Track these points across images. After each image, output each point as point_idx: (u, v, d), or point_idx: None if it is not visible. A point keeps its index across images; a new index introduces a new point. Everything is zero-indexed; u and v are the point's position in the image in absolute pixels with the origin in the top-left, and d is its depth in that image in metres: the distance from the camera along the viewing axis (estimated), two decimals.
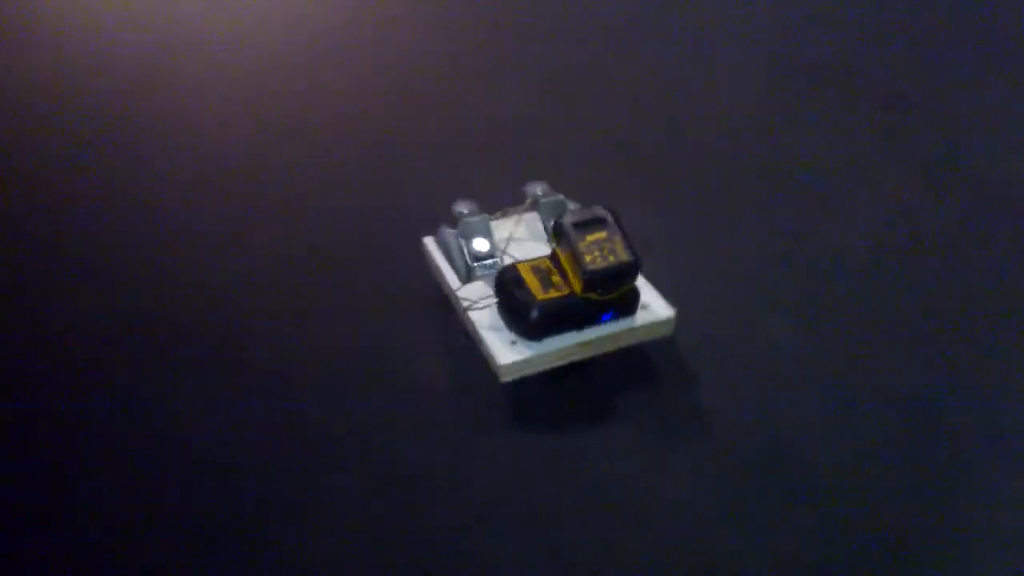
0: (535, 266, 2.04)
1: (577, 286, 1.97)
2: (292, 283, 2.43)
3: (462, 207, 2.30)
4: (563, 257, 1.99)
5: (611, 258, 1.94)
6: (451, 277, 2.22)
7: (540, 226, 2.32)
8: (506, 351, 2.00)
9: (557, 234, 1.98)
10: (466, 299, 2.12)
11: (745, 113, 3.04)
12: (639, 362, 2.15)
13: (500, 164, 2.89)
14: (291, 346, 2.23)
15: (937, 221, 2.55)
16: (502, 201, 2.39)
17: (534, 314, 1.96)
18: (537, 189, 2.37)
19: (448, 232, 2.26)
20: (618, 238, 1.97)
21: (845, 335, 2.21)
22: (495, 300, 2.08)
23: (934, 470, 1.89)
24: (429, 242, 2.34)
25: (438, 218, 2.64)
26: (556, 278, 1.99)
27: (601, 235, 1.96)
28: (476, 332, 2.06)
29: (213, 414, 2.04)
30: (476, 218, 2.26)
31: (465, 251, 2.21)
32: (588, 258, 1.93)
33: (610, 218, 2.00)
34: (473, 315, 2.08)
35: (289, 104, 3.30)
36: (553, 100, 3.20)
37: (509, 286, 2.01)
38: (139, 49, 3.70)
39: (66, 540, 1.78)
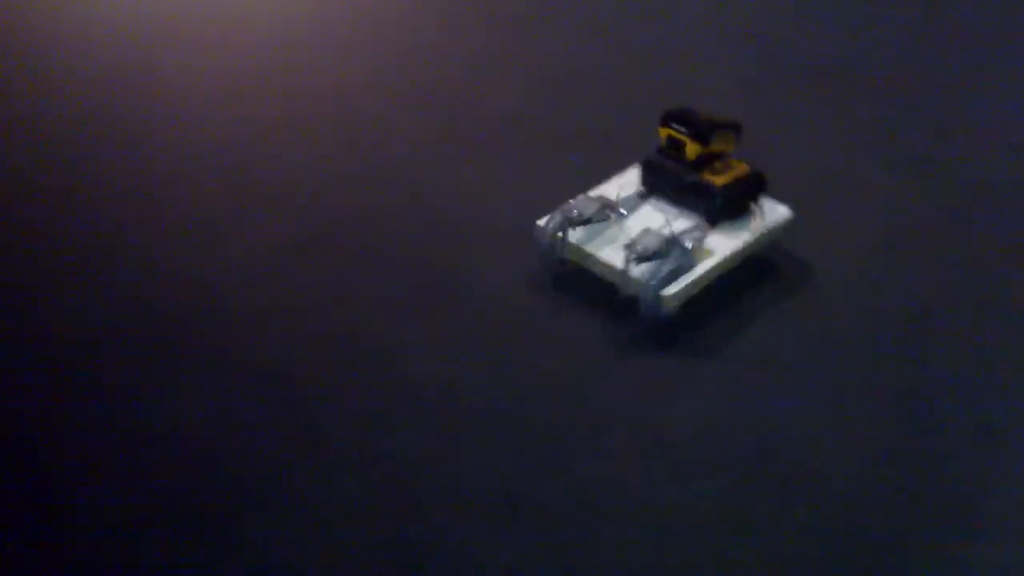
0: (726, 173, 2.28)
1: (732, 145, 2.32)
2: (291, 282, 2.43)
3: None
4: (718, 140, 2.27)
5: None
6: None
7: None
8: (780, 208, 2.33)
9: (707, 134, 2.24)
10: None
11: (735, 110, 3.03)
12: (629, 365, 2.16)
13: (494, 162, 2.90)
14: (290, 345, 2.23)
15: (925, 217, 2.56)
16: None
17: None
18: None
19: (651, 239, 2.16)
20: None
21: (835, 331, 2.22)
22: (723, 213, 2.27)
23: (925, 467, 1.90)
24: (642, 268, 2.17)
25: (434, 218, 2.65)
26: (720, 164, 2.27)
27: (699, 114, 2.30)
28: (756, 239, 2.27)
29: (213, 414, 2.05)
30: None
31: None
32: (727, 118, 2.33)
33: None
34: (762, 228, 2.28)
35: (287, 103, 3.30)
36: (546, 98, 3.19)
37: (742, 186, 2.28)
38: (139, 48, 3.69)
39: (65, 539, 1.78)
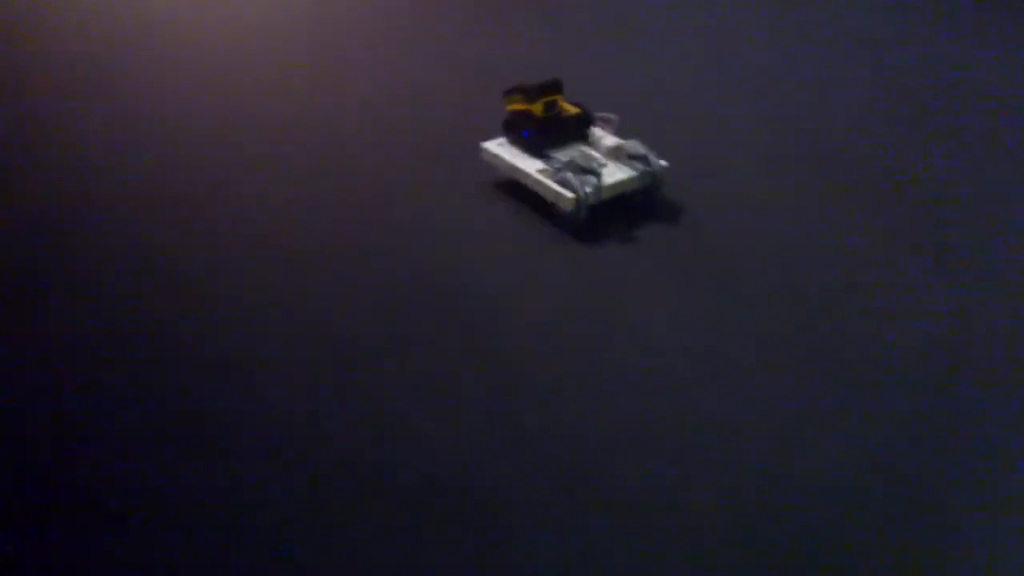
0: (571, 107, 2.88)
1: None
2: (291, 282, 2.44)
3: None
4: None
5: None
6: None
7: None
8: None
9: (562, 89, 2.86)
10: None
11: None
12: (629, 363, 2.16)
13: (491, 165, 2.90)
14: (290, 344, 2.23)
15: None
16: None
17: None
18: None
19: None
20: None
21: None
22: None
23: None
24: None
25: (435, 219, 2.65)
26: (558, 104, 2.87)
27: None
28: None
29: (213, 414, 2.05)
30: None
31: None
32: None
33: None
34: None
35: (289, 106, 3.30)
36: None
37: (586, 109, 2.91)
38: (140, 49, 3.69)
39: (65, 539, 1.78)
